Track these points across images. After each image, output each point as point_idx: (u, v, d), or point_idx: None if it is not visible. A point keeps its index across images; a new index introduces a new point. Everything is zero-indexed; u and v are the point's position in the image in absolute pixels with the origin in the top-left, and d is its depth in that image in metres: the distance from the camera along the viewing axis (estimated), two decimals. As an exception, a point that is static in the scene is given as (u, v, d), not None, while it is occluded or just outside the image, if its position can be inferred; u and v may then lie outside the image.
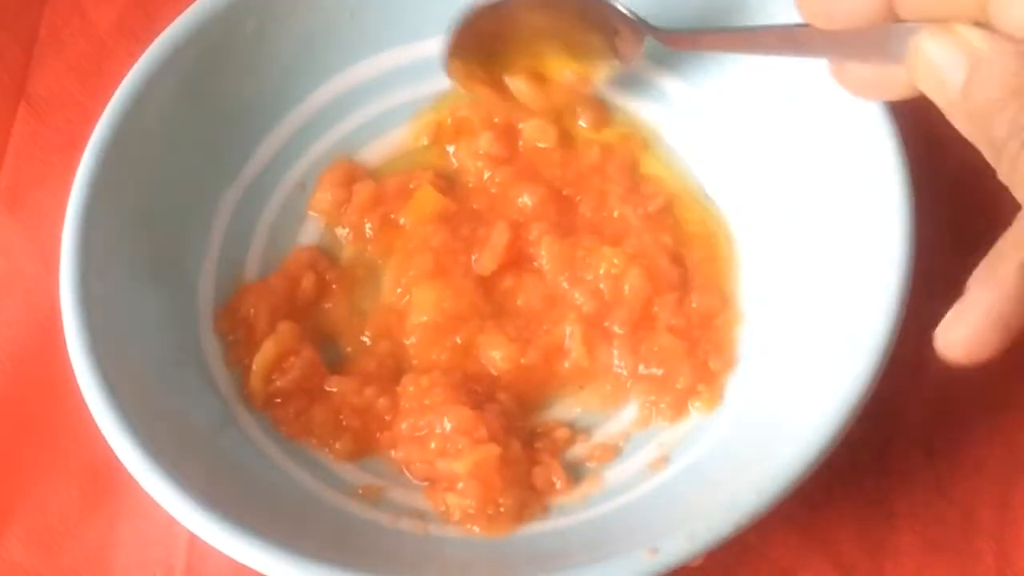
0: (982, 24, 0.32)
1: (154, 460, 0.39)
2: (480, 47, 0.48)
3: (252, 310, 0.46)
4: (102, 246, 0.44)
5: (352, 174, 0.50)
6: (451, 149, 0.51)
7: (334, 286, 0.48)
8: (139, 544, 0.44)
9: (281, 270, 0.48)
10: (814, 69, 0.45)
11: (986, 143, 0.32)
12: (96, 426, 0.40)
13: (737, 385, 0.44)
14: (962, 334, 0.34)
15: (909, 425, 0.45)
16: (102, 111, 0.45)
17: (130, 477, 0.39)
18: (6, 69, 0.55)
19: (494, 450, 0.42)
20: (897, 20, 0.34)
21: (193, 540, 0.43)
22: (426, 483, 0.44)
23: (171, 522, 0.39)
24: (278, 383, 0.45)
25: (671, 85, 0.50)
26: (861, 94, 0.39)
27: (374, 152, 0.51)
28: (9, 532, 0.45)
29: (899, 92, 0.36)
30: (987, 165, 0.49)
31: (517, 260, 0.47)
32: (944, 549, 0.43)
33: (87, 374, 0.40)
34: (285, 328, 0.46)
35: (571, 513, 0.43)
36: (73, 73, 0.54)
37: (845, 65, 0.38)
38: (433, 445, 0.43)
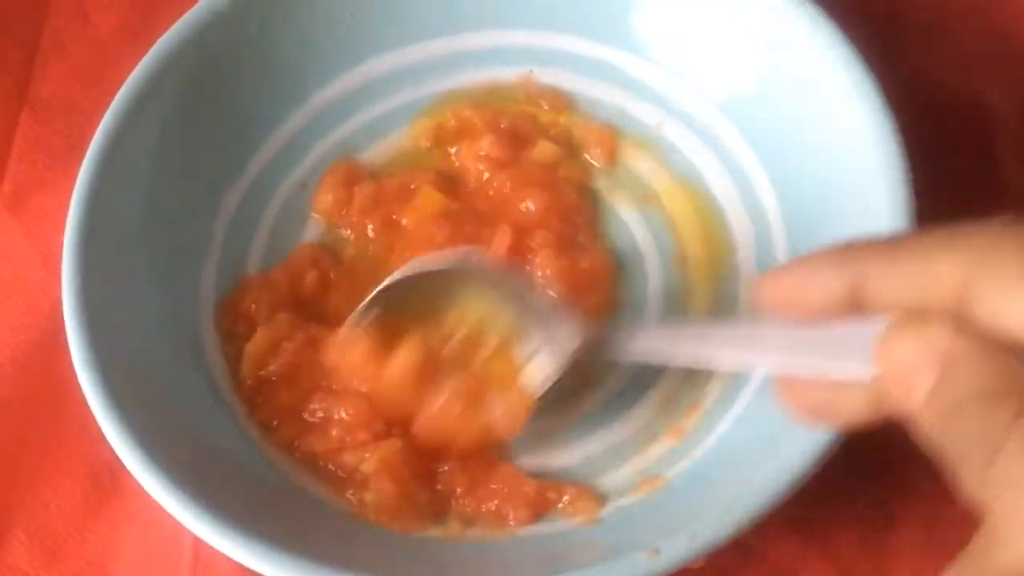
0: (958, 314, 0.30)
1: (156, 463, 0.39)
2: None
3: (254, 304, 0.47)
4: (104, 249, 0.44)
5: (353, 175, 0.50)
6: (453, 151, 0.51)
7: (336, 283, 0.48)
8: (142, 548, 0.44)
9: (284, 264, 0.48)
10: (815, 69, 0.46)
11: (953, 453, 0.30)
12: (99, 429, 0.40)
13: (737, 386, 0.44)
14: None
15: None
16: (104, 114, 0.46)
17: (133, 480, 0.39)
18: (9, 73, 0.55)
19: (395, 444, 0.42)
20: (863, 312, 0.31)
21: (197, 544, 0.43)
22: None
23: (175, 526, 0.39)
24: (271, 368, 0.45)
25: (671, 91, 0.51)
26: (810, 417, 0.35)
27: (376, 153, 0.51)
28: (12, 536, 0.45)
29: (849, 414, 0.33)
30: (988, 166, 0.50)
31: (518, 264, 0.47)
32: (944, 549, 0.43)
33: (89, 377, 0.41)
34: (282, 318, 0.46)
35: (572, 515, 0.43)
36: (75, 77, 0.55)
37: (795, 386, 0.35)
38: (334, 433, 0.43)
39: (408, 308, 0.43)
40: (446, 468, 0.43)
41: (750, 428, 0.42)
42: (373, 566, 0.40)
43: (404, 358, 0.43)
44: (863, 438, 0.39)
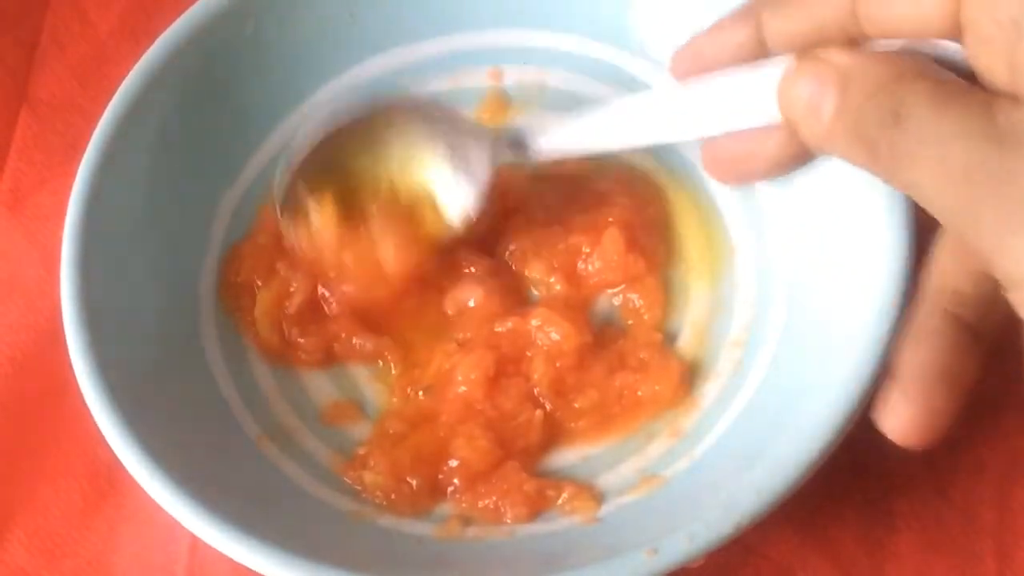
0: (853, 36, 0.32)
1: (155, 462, 0.39)
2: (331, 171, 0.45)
3: (253, 274, 0.47)
4: (103, 249, 0.44)
5: None
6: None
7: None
8: (141, 547, 0.44)
9: (260, 225, 0.48)
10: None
11: (867, 154, 0.32)
12: (97, 429, 0.40)
13: (736, 385, 0.44)
14: (907, 406, 0.34)
15: (909, 425, 0.45)
16: (103, 113, 0.46)
17: (132, 480, 0.39)
18: (8, 72, 0.55)
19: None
20: (767, 54, 0.34)
21: (195, 543, 0.43)
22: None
23: (173, 525, 0.39)
24: (287, 326, 0.46)
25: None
26: (731, 176, 0.38)
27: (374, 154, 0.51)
28: (11, 536, 0.45)
29: (769, 162, 0.36)
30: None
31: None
32: (944, 549, 0.43)
33: (88, 377, 0.41)
34: (280, 269, 0.46)
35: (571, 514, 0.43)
36: (74, 76, 0.55)
37: (714, 149, 0.37)
38: None
39: (328, 169, 0.45)
40: (453, 463, 0.43)
41: (749, 427, 0.42)
42: (371, 565, 0.40)
43: (324, 213, 0.44)
44: (863, 438, 0.39)
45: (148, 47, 0.47)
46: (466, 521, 0.43)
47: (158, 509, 0.39)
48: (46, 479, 0.46)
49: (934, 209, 0.32)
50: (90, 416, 0.40)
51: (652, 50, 0.50)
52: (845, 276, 0.43)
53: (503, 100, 0.51)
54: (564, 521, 0.42)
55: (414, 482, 0.43)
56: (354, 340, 0.46)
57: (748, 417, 0.43)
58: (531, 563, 0.41)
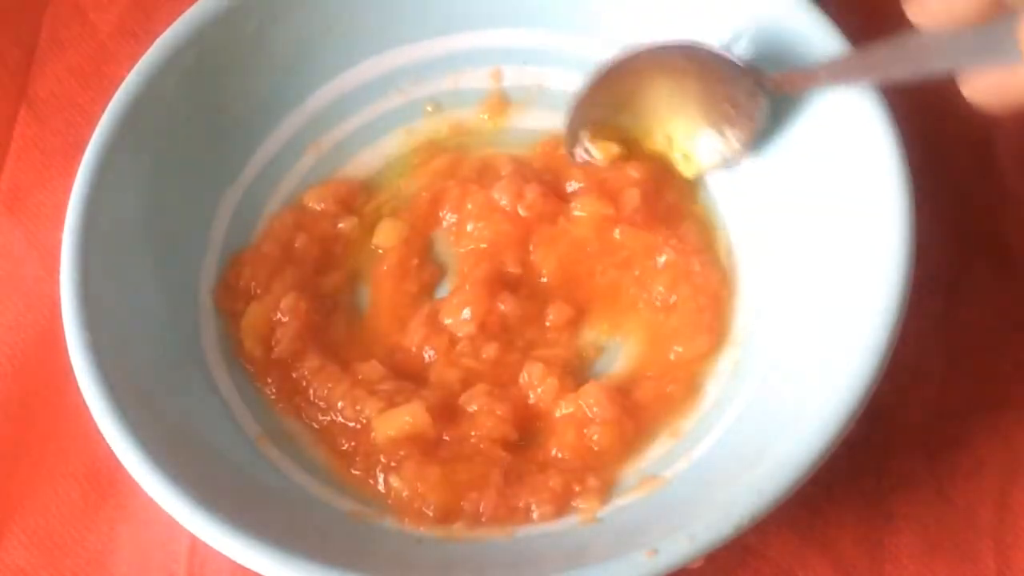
0: None
1: (155, 462, 0.39)
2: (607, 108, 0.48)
3: (252, 281, 0.47)
4: (102, 248, 0.44)
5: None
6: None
7: (335, 241, 0.49)
8: (140, 547, 0.44)
9: (268, 233, 0.48)
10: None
11: None
12: (97, 429, 0.40)
13: (736, 386, 0.44)
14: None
15: (909, 425, 0.45)
16: (103, 113, 0.46)
17: (131, 480, 0.39)
18: (7, 72, 0.55)
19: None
20: (1003, 9, 0.36)
21: (194, 542, 0.43)
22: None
23: (172, 524, 0.39)
24: (275, 345, 0.46)
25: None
26: (993, 104, 0.39)
27: (373, 154, 0.51)
28: (10, 535, 0.45)
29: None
30: (986, 165, 0.50)
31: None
32: (944, 550, 0.43)
33: (88, 376, 0.41)
34: (276, 287, 0.46)
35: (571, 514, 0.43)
36: (74, 76, 0.55)
37: (970, 77, 0.39)
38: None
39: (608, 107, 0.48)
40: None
41: (749, 428, 0.42)
42: (371, 565, 0.40)
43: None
44: (863, 438, 0.39)
45: (148, 47, 0.47)
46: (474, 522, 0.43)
47: (158, 508, 0.39)
48: (46, 479, 0.46)
49: None
50: (90, 416, 0.40)
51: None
52: (846, 277, 0.43)
53: (503, 100, 0.51)
54: (564, 522, 0.42)
55: (432, 503, 0.42)
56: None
57: (748, 418, 0.43)
58: (532, 563, 0.41)
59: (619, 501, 0.42)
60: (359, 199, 0.50)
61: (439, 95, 0.52)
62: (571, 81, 0.51)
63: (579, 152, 0.49)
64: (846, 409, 0.39)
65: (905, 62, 0.41)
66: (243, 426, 0.45)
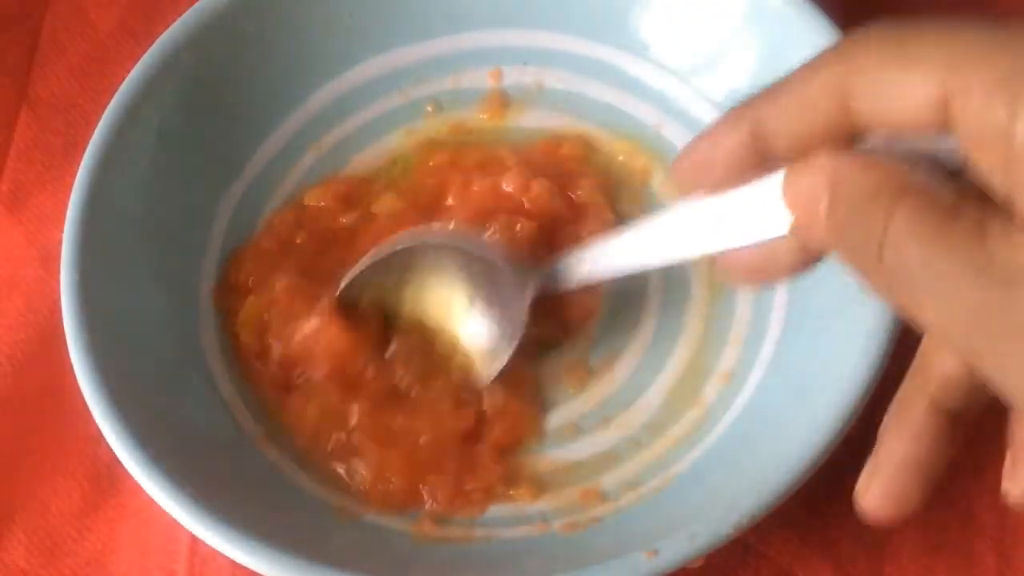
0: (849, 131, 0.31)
1: (155, 462, 0.39)
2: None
3: (251, 278, 0.47)
4: (102, 248, 0.44)
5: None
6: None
7: (336, 234, 0.49)
8: (140, 547, 0.44)
9: (268, 231, 0.48)
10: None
11: (861, 270, 0.30)
12: (97, 429, 0.40)
13: (737, 385, 0.44)
14: (882, 490, 0.33)
15: (909, 425, 0.45)
16: (103, 113, 0.46)
17: (132, 480, 0.39)
18: (8, 72, 0.55)
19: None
20: (772, 163, 0.32)
21: (194, 542, 0.43)
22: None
23: (173, 525, 0.39)
24: (271, 339, 0.46)
25: (671, 91, 0.51)
26: (754, 281, 0.38)
27: (373, 154, 0.51)
28: (10, 535, 0.45)
29: (786, 266, 0.34)
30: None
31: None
32: (944, 550, 0.43)
33: (88, 376, 0.41)
34: (278, 280, 0.46)
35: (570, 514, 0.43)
36: (74, 76, 0.55)
37: (731, 259, 0.36)
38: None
39: (372, 291, 0.45)
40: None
41: (749, 427, 0.42)
42: (371, 565, 0.40)
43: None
44: (863, 438, 0.39)
45: (148, 47, 0.47)
46: (472, 524, 0.43)
47: (158, 509, 0.39)
48: (45, 479, 0.46)
49: (940, 340, 0.31)
50: (90, 416, 0.40)
51: (654, 51, 0.50)
52: (845, 276, 0.43)
53: (503, 100, 0.51)
54: (564, 522, 0.42)
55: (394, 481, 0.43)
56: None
57: (748, 417, 0.43)
58: (532, 564, 0.41)
59: (619, 501, 0.42)
60: (360, 194, 0.50)
61: (439, 95, 0.52)
62: (571, 81, 0.51)
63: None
64: (846, 409, 0.39)
65: (661, 244, 0.38)
66: (243, 426, 0.45)
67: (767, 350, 0.44)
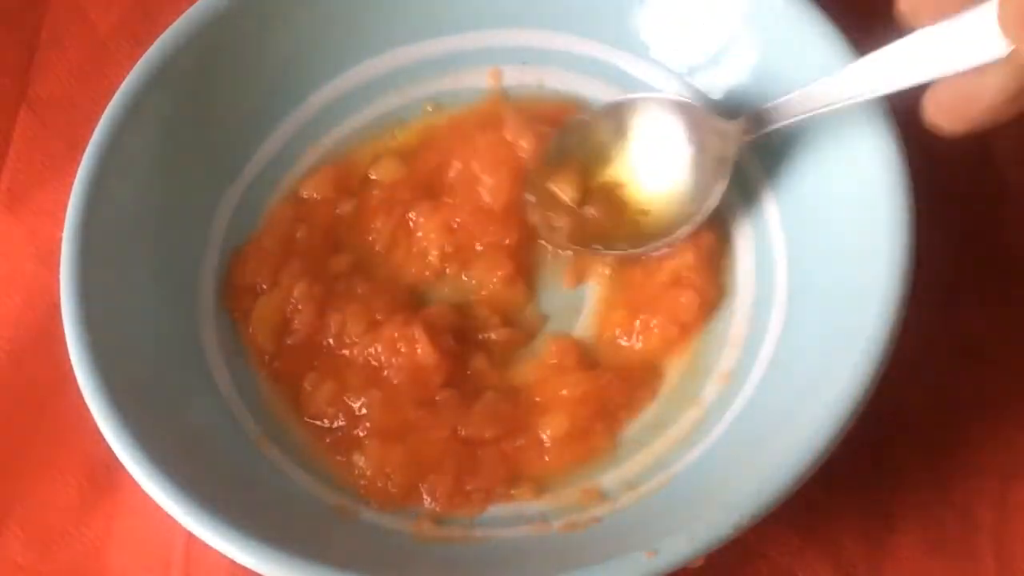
0: None
1: (152, 459, 0.39)
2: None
3: (257, 278, 0.47)
4: (102, 247, 0.44)
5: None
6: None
7: (335, 229, 0.49)
8: (137, 543, 0.44)
9: (268, 228, 0.48)
10: (815, 70, 0.46)
11: None
12: (95, 425, 0.40)
13: (737, 385, 0.44)
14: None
15: (909, 425, 0.45)
16: (103, 113, 0.46)
17: (129, 477, 0.39)
18: (7, 72, 0.55)
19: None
20: None
21: (190, 539, 0.43)
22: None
23: (169, 521, 0.39)
24: (293, 333, 0.46)
25: (671, 91, 0.50)
26: (957, 119, 0.38)
27: (373, 152, 0.51)
28: (7, 530, 0.45)
29: (994, 96, 0.36)
30: (985, 163, 0.50)
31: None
32: (944, 549, 0.43)
33: (86, 374, 0.41)
34: (284, 279, 0.47)
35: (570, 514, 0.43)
36: (74, 75, 0.55)
37: (937, 91, 0.38)
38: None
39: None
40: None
41: (749, 427, 0.42)
42: (370, 565, 0.40)
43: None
44: (863, 438, 0.39)
45: (148, 47, 0.47)
46: (471, 523, 0.43)
47: (155, 505, 0.39)
48: (43, 474, 0.46)
49: None
50: (89, 414, 0.40)
51: (654, 51, 0.50)
52: (845, 277, 0.43)
53: (503, 100, 0.51)
54: (564, 522, 0.42)
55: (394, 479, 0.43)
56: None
57: (748, 418, 0.43)
58: (533, 564, 0.41)
59: (619, 501, 0.42)
60: (355, 181, 0.50)
61: (439, 95, 0.52)
62: (571, 81, 0.51)
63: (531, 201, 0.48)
64: (846, 409, 0.39)
65: (889, 73, 0.41)
66: (243, 426, 0.45)
67: (767, 350, 0.44)
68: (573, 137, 0.48)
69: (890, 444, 0.44)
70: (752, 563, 0.43)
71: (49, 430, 0.47)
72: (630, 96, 0.48)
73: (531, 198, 0.48)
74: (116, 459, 0.39)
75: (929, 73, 0.38)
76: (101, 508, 0.45)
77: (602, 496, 0.43)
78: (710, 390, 0.45)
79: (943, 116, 0.38)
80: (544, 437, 0.44)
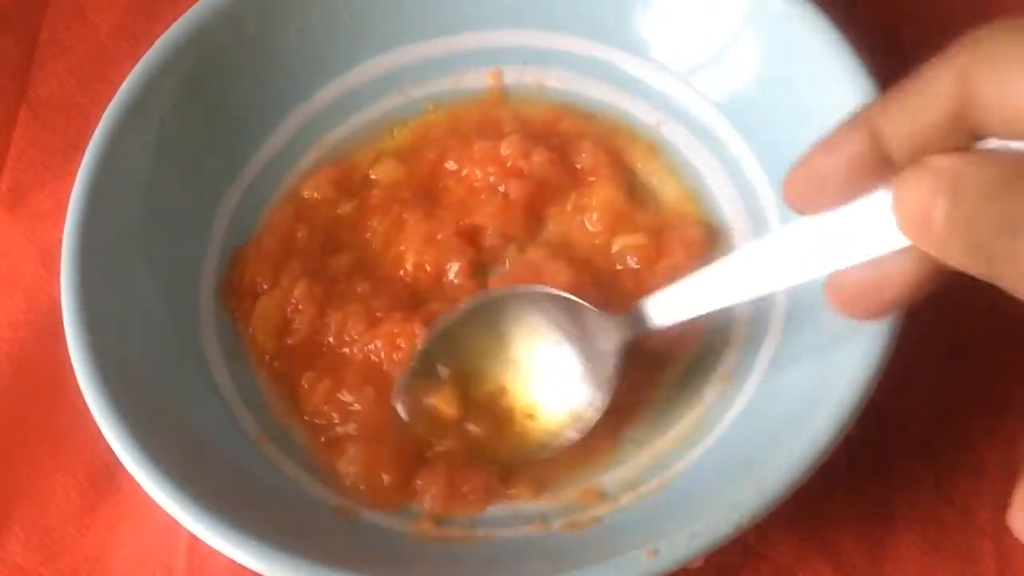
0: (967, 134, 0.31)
1: (154, 461, 0.39)
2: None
3: (257, 278, 0.47)
4: (102, 247, 0.44)
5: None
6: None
7: (336, 227, 0.49)
8: (139, 545, 0.44)
9: (268, 228, 0.48)
10: (815, 71, 0.46)
11: (985, 264, 0.30)
12: (96, 426, 0.40)
13: (737, 385, 0.44)
14: None
15: (909, 425, 0.45)
16: (102, 113, 0.46)
17: (130, 478, 0.39)
18: (7, 72, 0.55)
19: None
20: (886, 171, 0.32)
21: (193, 541, 0.43)
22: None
23: (171, 523, 0.39)
24: (293, 333, 0.46)
25: (671, 91, 0.50)
26: (864, 309, 0.35)
27: (373, 152, 0.51)
28: (9, 533, 0.45)
29: (901, 288, 0.34)
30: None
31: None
32: (944, 550, 0.43)
33: (87, 375, 0.41)
34: (284, 280, 0.47)
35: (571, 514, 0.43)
36: (74, 76, 0.55)
37: (840, 284, 0.35)
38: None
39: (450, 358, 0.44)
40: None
41: (749, 427, 0.42)
42: (370, 565, 0.40)
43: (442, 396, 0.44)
44: (863, 438, 0.39)
45: (148, 47, 0.47)
46: (472, 523, 0.43)
47: (157, 507, 0.39)
48: (45, 476, 0.46)
49: None
50: (89, 415, 0.40)
51: (654, 51, 0.50)
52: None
53: (503, 100, 0.51)
54: (564, 522, 0.42)
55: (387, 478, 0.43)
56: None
57: (748, 418, 0.43)
58: (533, 564, 0.41)
59: (619, 501, 0.42)
60: (356, 181, 0.50)
61: (440, 95, 0.52)
62: (571, 81, 0.51)
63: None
64: (846, 409, 0.39)
65: (764, 270, 0.37)
66: (243, 426, 0.45)
67: (767, 350, 0.44)
68: (445, 343, 0.44)
69: (890, 444, 0.44)
70: (752, 563, 0.43)
71: (50, 431, 0.47)
72: (500, 292, 0.45)
73: (403, 409, 0.44)
74: (117, 461, 0.39)
75: (826, 267, 0.35)
76: (103, 510, 0.45)
77: (602, 496, 0.43)
78: (710, 390, 0.45)
79: (849, 307, 0.35)
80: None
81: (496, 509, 0.43)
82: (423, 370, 0.44)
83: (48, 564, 0.44)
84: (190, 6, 0.48)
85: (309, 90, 0.51)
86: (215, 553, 0.38)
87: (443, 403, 0.43)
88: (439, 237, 0.48)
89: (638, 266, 0.47)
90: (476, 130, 0.50)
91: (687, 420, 0.44)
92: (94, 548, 0.45)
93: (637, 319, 0.41)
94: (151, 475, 0.39)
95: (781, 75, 0.47)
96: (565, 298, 0.43)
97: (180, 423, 0.43)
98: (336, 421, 0.45)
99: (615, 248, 0.47)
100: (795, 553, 0.43)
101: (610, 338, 0.42)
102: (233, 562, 0.38)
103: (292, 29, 0.50)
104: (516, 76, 0.52)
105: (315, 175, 0.50)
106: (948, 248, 0.30)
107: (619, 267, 0.47)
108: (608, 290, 0.46)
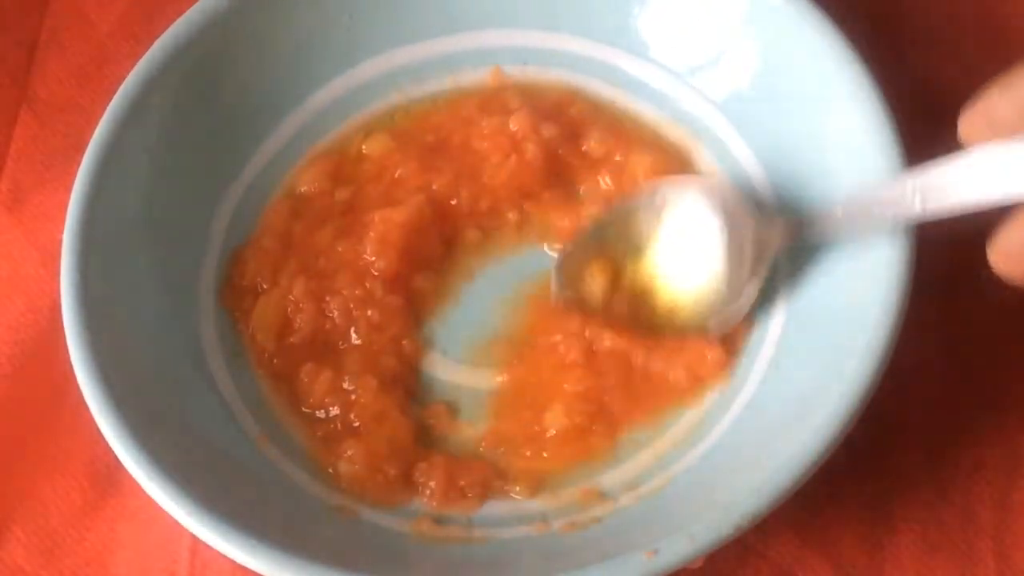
0: None
1: (155, 462, 0.39)
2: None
3: (257, 277, 0.47)
4: (102, 248, 0.44)
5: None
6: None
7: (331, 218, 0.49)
8: (141, 547, 0.44)
9: (266, 227, 0.48)
10: (815, 70, 0.46)
11: None
12: (97, 428, 0.40)
13: (736, 386, 0.44)
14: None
15: (909, 425, 0.45)
16: (103, 113, 0.46)
17: (131, 479, 0.39)
18: (7, 72, 0.55)
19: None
20: None
21: (195, 542, 0.43)
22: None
23: (173, 525, 0.39)
24: (295, 331, 0.46)
25: (671, 91, 0.50)
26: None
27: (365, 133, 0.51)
28: (10, 535, 0.45)
29: None
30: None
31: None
32: (944, 550, 0.43)
33: (88, 376, 0.41)
34: (283, 278, 0.47)
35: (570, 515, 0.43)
36: (74, 76, 0.55)
37: (1004, 238, 0.35)
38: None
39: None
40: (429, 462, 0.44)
41: (749, 428, 0.42)
42: (370, 565, 0.40)
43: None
44: (863, 438, 0.39)
45: (148, 47, 0.47)
46: (471, 522, 0.43)
47: (159, 508, 0.39)
48: (45, 478, 0.46)
49: None
50: (90, 416, 0.40)
51: (654, 51, 0.50)
52: (846, 277, 0.43)
53: (503, 100, 0.51)
54: (564, 522, 0.42)
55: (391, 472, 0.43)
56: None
57: (748, 418, 0.43)
58: (532, 563, 0.41)
59: (619, 501, 0.42)
60: (349, 165, 0.50)
61: (439, 94, 0.52)
62: (571, 81, 0.51)
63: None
64: (846, 409, 0.39)
65: (943, 192, 0.37)
66: (243, 426, 0.45)
67: (767, 350, 0.44)
68: (613, 227, 0.46)
69: (890, 444, 0.44)
70: (752, 563, 0.43)
71: (51, 433, 0.46)
72: (673, 182, 0.46)
73: (560, 278, 0.46)
74: (118, 462, 0.39)
75: (995, 194, 0.35)
76: (104, 512, 0.45)
77: (602, 496, 0.43)
78: (710, 390, 0.45)
79: (1015, 267, 0.35)
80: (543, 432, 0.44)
81: (496, 509, 0.43)
82: (582, 251, 0.45)
83: (49, 566, 0.44)
84: (190, 6, 0.48)
85: (309, 90, 0.51)
86: (217, 556, 0.38)
87: (597, 278, 0.45)
88: (435, 187, 0.48)
89: None
90: (480, 108, 0.50)
91: (687, 420, 0.44)
92: (95, 550, 0.45)
93: (796, 225, 0.43)
94: (151, 475, 0.39)
95: (781, 75, 0.47)
96: (730, 191, 0.45)
97: (180, 423, 0.43)
98: (336, 413, 0.45)
99: None
100: (795, 553, 0.43)
101: (766, 244, 0.44)
102: (234, 563, 0.38)
103: (291, 29, 0.50)
104: (516, 76, 0.52)
105: (309, 169, 0.50)
106: None
107: None
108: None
